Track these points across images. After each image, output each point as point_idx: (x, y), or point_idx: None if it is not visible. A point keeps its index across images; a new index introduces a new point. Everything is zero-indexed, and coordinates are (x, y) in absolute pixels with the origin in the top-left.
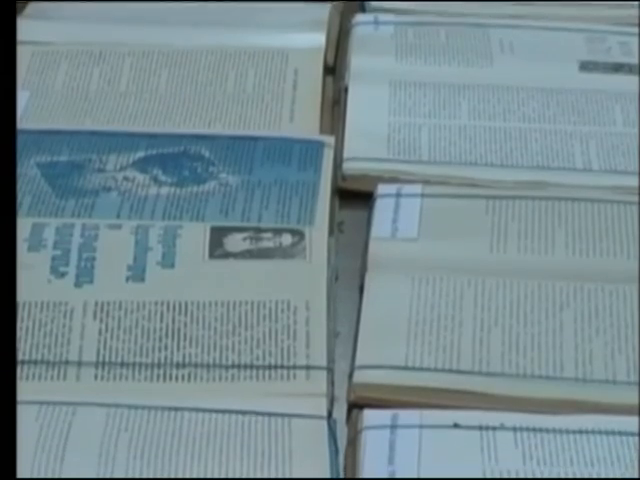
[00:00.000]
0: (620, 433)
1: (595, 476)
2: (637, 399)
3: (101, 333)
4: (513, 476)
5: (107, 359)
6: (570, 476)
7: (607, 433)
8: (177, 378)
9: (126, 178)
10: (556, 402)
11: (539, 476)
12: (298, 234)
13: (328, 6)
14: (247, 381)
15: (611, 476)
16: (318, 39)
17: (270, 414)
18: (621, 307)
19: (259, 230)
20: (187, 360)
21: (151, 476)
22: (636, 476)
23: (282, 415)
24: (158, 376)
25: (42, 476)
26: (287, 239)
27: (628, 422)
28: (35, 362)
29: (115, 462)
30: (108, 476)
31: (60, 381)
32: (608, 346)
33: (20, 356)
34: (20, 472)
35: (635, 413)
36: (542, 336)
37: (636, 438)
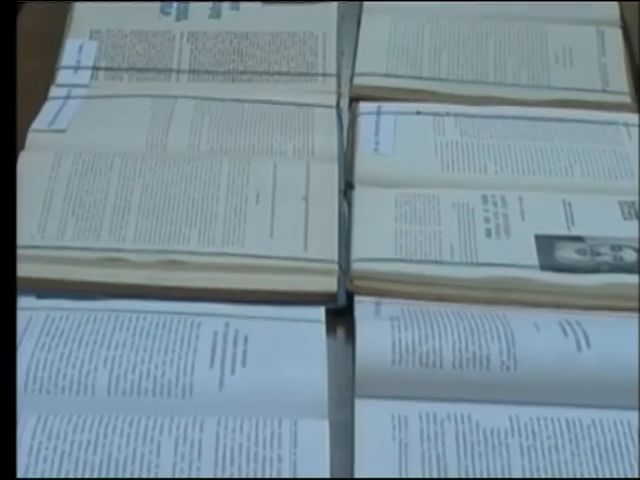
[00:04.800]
0: (523, 117)
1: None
2: (533, 96)
3: (192, 52)
4: (453, 146)
5: (196, 68)
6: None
7: (514, 117)
8: (241, 81)
9: None
10: (482, 98)
11: (470, 145)
12: None
13: None
14: (286, 83)
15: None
16: None
17: (301, 104)
18: (523, 37)
19: None
20: (247, 69)
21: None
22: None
23: (308, 105)
24: (228, 80)
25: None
26: None
27: (524, 110)
28: (150, 69)
29: (201, 133)
30: (197, 142)
31: (165, 82)
32: (516, 62)
33: (140, 65)
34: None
35: (528, 105)
36: (475, 55)
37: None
